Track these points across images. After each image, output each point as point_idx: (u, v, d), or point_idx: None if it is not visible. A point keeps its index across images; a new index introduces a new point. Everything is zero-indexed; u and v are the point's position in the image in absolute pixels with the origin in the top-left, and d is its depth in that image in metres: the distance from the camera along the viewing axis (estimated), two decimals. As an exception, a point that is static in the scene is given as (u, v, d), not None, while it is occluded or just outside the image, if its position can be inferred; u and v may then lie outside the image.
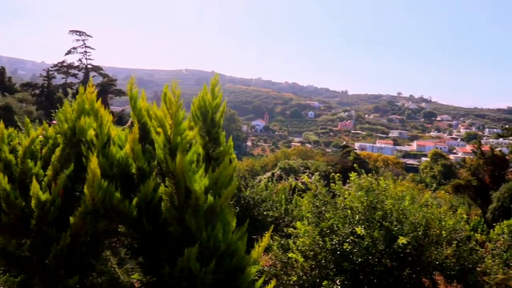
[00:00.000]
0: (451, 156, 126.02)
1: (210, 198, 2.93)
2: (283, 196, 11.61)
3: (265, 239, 3.18)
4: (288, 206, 11.42)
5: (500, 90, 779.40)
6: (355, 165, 9.09)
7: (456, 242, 7.57)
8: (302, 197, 9.53)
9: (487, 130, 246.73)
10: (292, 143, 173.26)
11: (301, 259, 6.99)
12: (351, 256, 6.63)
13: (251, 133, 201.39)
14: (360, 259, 6.59)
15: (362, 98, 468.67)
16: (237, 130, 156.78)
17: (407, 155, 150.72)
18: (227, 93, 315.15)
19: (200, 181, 2.90)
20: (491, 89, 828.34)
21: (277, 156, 54.20)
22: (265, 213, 10.60)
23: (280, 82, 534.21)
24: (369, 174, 8.21)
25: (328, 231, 7.09)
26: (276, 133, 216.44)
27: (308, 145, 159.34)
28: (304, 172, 30.87)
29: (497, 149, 36.27)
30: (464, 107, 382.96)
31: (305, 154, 60.10)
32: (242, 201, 10.50)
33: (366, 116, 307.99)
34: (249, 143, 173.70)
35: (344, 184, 8.84)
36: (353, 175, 8.07)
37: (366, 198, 7.27)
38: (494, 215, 30.68)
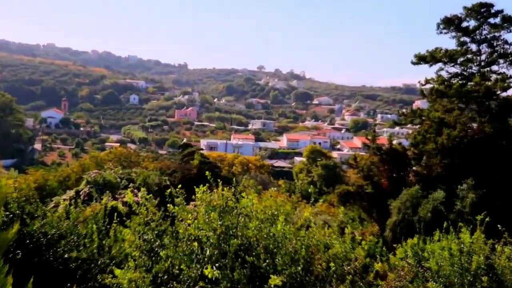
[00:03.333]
0: (335, 154, 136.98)
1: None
2: (95, 227, 11.20)
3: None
4: (104, 242, 11.05)
5: (393, 64, 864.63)
6: (207, 172, 9.02)
7: (350, 276, 7.87)
8: (126, 226, 9.25)
9: (379, 116, 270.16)
10: (107, 144, 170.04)
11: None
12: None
13: (41, 130, 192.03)
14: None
15: (209, 75, 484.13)
16: (17, 126, 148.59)
17: (274, 154, 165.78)
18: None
19: None
20: (381, 61, 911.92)
21: (83, 164, 52.66)
22: (66, 255, 10.15)
23: (85, 50, 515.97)
24: (224, 186, 8.20)
25: (165, 276, 6.92)
26: (82, 128, 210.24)
27: (131, 145, 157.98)
28: (126, 187, 30.40)
29: (394, 142, 39.40)
30: (349, 85, 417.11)
31: (127, 160, 59.29)
32: (28, 241, 9.93)
33: (216, 100, 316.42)
34: (37, 146, 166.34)
35: (187, 202, 8.90)
36: (200, 189, 7.99)
37: (220, 222, 7.24)
38: (394, 233, 33.13)
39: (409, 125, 40.24)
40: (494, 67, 36.54)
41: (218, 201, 7.86)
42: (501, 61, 36.19)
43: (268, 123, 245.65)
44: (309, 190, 71.55)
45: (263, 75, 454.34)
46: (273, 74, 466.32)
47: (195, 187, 8.46)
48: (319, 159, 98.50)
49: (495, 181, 32.94)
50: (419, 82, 37.85)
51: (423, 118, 37.02)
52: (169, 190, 8.37)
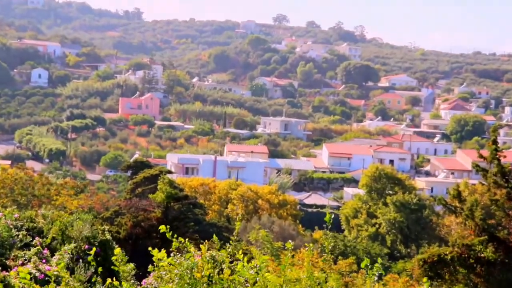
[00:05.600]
0: (421, 182, 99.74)
1: None
2: None
3: None
4: None
5: None
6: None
7: None
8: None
9: (508, 109, 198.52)
10: None
11: None
12: None
13: None
14: None
15: (184, 32, 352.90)
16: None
17: (306, 182, 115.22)
18: None
19: None
20: None
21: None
22: None
23: None
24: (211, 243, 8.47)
25: None
26: None
27: (35, 163, 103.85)
28: (27, 246, 18.14)
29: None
30: (450, 52, 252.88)
31: (26, 192, 43.65)
32: None
33: (196, 80, 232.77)
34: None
35: (144, 274, 8.75)
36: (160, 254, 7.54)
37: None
38: None
39: None
40: None
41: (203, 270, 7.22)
42: None
43: (293, 123, 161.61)
44: (372, 251, 52.27)
45: (285, 33, 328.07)
46: (304, 31, 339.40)
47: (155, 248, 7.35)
48: (391, 192, 71.01)
49: None
50: None
51: None
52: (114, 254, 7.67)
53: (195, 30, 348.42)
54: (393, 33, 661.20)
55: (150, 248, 8.07)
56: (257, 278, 7.95)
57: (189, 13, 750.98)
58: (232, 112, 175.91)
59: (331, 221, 9.37)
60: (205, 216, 46.42)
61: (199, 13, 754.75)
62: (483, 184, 22.70)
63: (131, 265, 8.73)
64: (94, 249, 10.13)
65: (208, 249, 7.89)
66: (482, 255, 21.16)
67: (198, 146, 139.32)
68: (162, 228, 8.18)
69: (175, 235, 8.15)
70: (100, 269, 9.59)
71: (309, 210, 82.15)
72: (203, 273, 7.80)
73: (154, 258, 7.78)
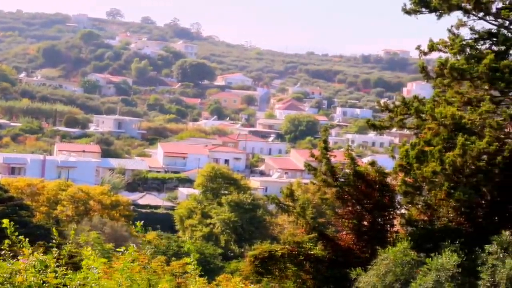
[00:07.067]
0: (255, 181, 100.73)
1: None
2: None
3: None
4: None
5: (365, 17, 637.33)
6: (5, 221, 8.03)
7: None
8: None
9: (339, 110, 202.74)
10: None
11: None
12: None
13: None
14: None
15: (8, 24, 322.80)
16: None
17: (139, 182, 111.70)
18: None
19: None
20: (345, 11, 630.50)
21: None
22: None
23: None
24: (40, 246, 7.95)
25: None
26: None
27: None
28: None
29: (365, 160, 23.19)
30: (284, 52, 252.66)
31: None
32: None
33: (24, 76, 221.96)
34: None
35: None
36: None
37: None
38: None
39: (395, 129, 24.39)
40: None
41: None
42: None
43: (127, 121, 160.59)
44: (205, 251, 52.13)
45: (119, 28, 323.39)
46: (139, 27, 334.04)
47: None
48: (226, 192, 70.96)
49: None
50: (418, 48, 21.70)
51: (422, 116, 21.37)
52: None
53: (22, 22, 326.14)
54: (229, 31, 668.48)
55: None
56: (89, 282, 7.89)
57: (16, 4, 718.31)
58: (62, 110, 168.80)
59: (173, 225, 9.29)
60: (32, 218, 44.92)
61: (27, 5, 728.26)
62: (314, 184, 23.58)
63: None
64: None
65: (33, 253, 7.73)
66: (311, 252, 21.96)
67: (25, 145, 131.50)
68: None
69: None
70: None
71: (143, 210, 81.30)
72: (25, 278, 7.48)
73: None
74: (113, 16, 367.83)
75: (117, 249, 16.99)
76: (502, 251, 20.02)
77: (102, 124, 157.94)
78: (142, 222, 10.52)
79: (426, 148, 20.60)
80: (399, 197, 22.06)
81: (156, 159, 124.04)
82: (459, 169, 20.01)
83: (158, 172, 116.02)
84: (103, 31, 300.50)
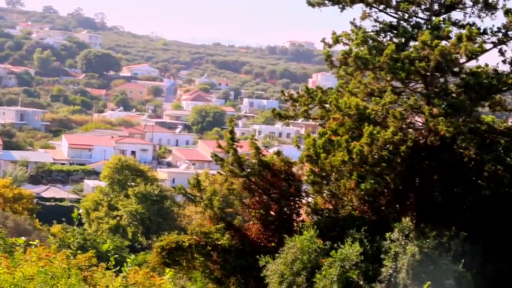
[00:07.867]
0: (162, 173, 77.26)
1: None
2: None
3: None
4: None
5: (270, 8, 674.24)
6: None
7: None
8: None
9: (246, 101, 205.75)
10: None
11: None
12: None
13: None
14: None
15: None
16: None
17: (43, 175, 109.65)
18: None
19: None
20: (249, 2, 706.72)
21: None
22: None
23: None
24: None
25: None
26: None
27: None
28: None
29: (272, 150, 23.41)
30: (191, 43, 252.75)
31: None
32: None
33: None
34: None
35: None
36: None
37: None
38: None
39: (301, 120, 24.52)
40: (456, 15, 21.85)
41: None
42: (468, 2, 21.59)
43: (30, 113, 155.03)
44: (106, 245, 49.35)
45: (19, 17, 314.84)
46: (41, 17, 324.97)
47: None
48: (133, 184, 70.77)
49: (460, 221, 21.03)
50: (323, 40, 21.99)
51: (327, 106, 21.57)
52: None
53: None
54: (134, 21, 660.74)
55: None
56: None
57: None
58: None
59: (79, 218, 9.15)
60: None
61: None
62: (221, 174, 23.59)
63: None
64: None
65: None
66: (218, 242, 21.97)
67: None
68: None
69: None
70: None
71: (47, 203, 79.41)
72: None
73: None
74: (13, 4, 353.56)
75: (18, 239, 16.49)
76: (404, 237, 20.72)
77: (4, 116, 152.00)
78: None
79: (333, 138, 20.92)
80: (305, 187, 22.31)
81: (60, 151, 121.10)
82: (365, 159, 20.43)
83: (63, 164, 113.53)
84: (2, 20, 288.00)
